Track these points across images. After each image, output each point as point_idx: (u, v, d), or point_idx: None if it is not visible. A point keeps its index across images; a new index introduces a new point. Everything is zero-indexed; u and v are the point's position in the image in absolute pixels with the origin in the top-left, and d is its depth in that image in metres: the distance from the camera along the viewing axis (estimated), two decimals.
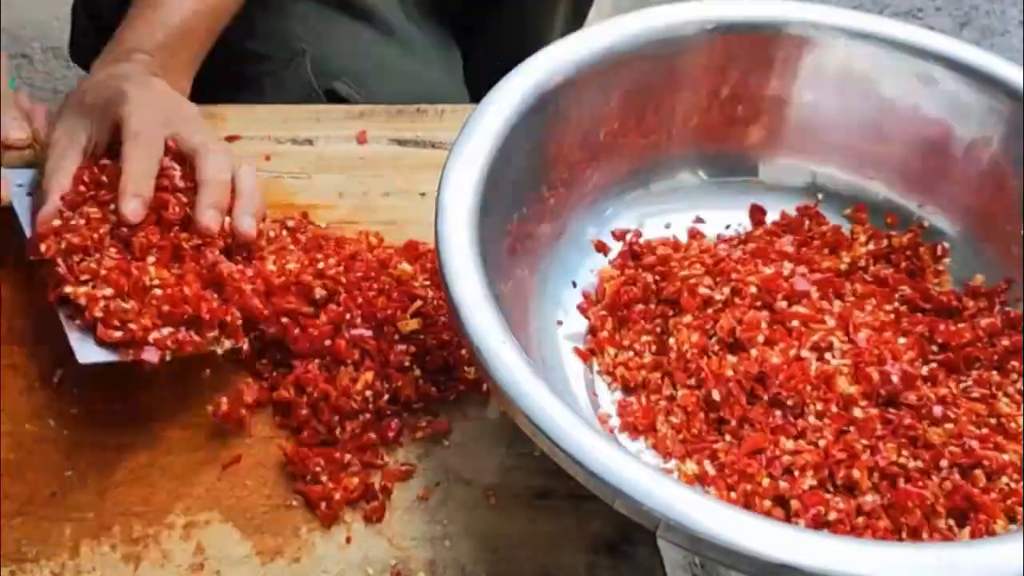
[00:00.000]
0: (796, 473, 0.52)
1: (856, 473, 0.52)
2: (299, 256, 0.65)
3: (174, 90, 0.67)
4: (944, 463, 0.53)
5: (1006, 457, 0.53)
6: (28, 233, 0.60)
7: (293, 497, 0.56)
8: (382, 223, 0.69)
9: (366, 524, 0.55)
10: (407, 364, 0.60)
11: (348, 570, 0.54)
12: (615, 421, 0.57)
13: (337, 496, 0.55)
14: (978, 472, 0.52)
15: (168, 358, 0.56)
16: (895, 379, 0.55)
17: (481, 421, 0.60)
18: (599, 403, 0.58)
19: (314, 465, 0.56)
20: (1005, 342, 0.58)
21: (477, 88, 0.57)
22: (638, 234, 0.65)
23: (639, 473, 0.43)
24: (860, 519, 0.51)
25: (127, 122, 0.61)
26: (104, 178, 0.61)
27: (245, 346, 0.58)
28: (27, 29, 1.63)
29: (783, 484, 0.52)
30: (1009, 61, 0.62)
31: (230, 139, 0.75)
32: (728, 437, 0.54)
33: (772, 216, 0.66)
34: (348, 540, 0.55)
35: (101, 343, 0.55)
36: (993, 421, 0.55)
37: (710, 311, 0.59)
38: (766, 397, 0.55)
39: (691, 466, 0.54)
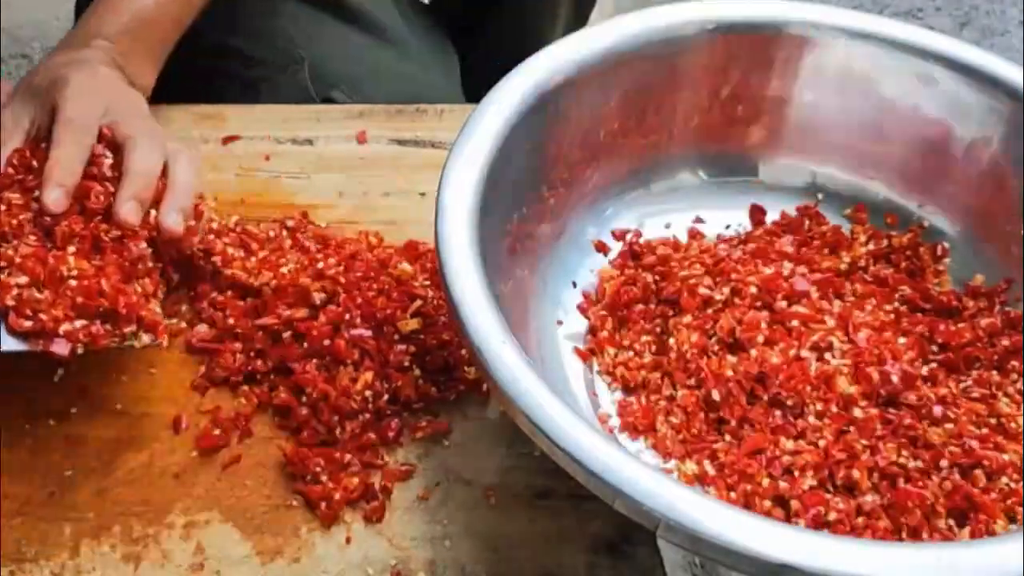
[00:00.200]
0: (796, 473, 0.52)
1: (856, 473, 0.52)
2: (298, 258, 0.65)
3: (133, 79, 0.66)
4: (944, 463, 0.53)
5: (1006, 457, 0.53)
6: None
7: (293, 497, 0.56)
8: (382, 223, 0.69)
9: (366, 524, 0.55)
10: (407, 364, 0.60)
11: (348, 570, 0.54)
12: (615, 421, 0.57)
13: (337, 496, 0.55)
14: (978, 472, 0.52)
15: (80, 351, 0.55)
16: (895, 379, 0.55)
17: (481, 421, 0.60)
18: (599, 403, 0.58)
19: (314, 465, 0.56)
20: (1005, 342, 0.58)
21: (477, 88, 0.57)
22: (638, 234, 0.65)
23: (639, 473, 0.43)
24: (860, 519, 0.51)
25: (62, 107, 0.60)
26: (35, 163, 0.59)
27: (164, 342, 0.57)
28: (27, 29, 1.63)
29: (783, 484, 0.52)
30: (1009, 61, 0.62)
31: (230, 139, 0.75)
32: (728, 437, 0.54)
33: (772, 216, 0.66)
34: (348, 540, 0.55)
35: (12, 332, 0.54)
36: (993, 421, 0.55)
37: (710, 311, 0.59)
38: (766, 397, 0.55)
39: (691, 466, 0.54)
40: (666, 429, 0.55)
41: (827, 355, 0.57)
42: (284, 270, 0.64)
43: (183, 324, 0.63)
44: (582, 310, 0.61)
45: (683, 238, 0.65)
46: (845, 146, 0.66)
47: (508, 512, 0.56)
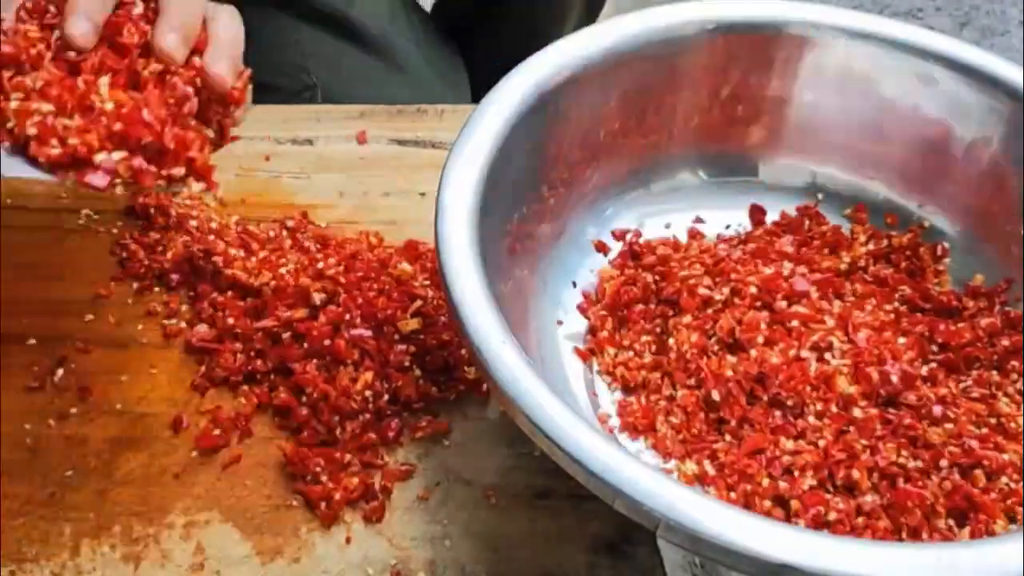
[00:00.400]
0: (796, 473, 0.52)
1: (856, 473, 0.52)
2: (298, 258, 0.65)
3: None
4: (944, 463, 0.52)
5: (1006, 457, 0.53)
6: None
7: (293, 497, 0.56)
8: (382, 223, 0.69)
9: (366, 524, 0.55)
10: (407, 364, 0.60)
11: (348, 570, 0.54)
12: (615, 421, 0.57)
13: (337, 496, 0.55)
14: (978, 472, 0.52)
15: (120, 189, 0.48)
16: (895, 379, 0.55)
17: (481, 421, 0.60)
18: (599, 403, 0.58)
19: (314, 465, 0.56)
20: (1005, 342, 0.58)
21: (483, 90, 0.57)
22: (638, 234, 0.65)
23: (639, 473, 0.43)
24: (860, 519, 0.51)
25: None
26: (52, 8, 0.52)
27: (218, 192, 0.50)
28: None
29: (783, 484, 0.52)
30: (1009, 61, 0.62)
31: (230, 139, 0.75)
32: (728, 437, 0.54)
33: (772, 216, 0.66)
34: (348, 540, 0.55)
35: (34, 162, 0.47)
36: (993, 421, 0.55)
37: (710, 311, 0.59)
38: (766, 397, 0.55)
39: (691, 466, 0.54)
40: (666, 429, 0.55)
41: (827, 355, 0.57)
42: (284, 270, 0.64)
43: (183, 324, 0.64)
44: (582, 310, 0.61)
45: (683, 238, 0.65)
46: (845, 146, 0.66)
47: (508, 512, 0.56)
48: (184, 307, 0.65)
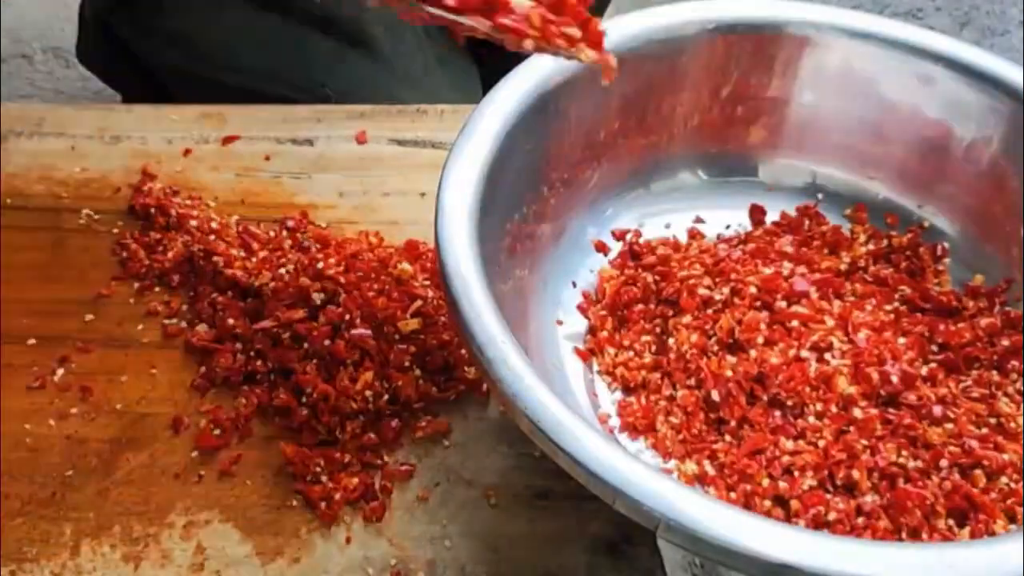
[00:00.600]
0: (796, 473, 0.52)
1: (856, 473, 0.52)
2: (298, 258, 0.65)
3: None
4: (944, 463, 0.52)
5: (1006, 457, 0.53)
6: None
7: (293, 497, 0.56)
8: (382, 223, 0.69)
9: (366, 524, 0.55)
10: (407, 364, 0.60)
11: (348, 570, 0.54)
12: (615, 421, 0.57)
13: (337, 496, 0.55)
14: (978, 472, 0.52)
15: (532, 48, 0.46)
16: (895, 379, 0.55)
17: (481, 421, 0.60)
18: (599, 403, 0.58)
19: (314, 465, 0.56)
20: (1005, 342, 0.58)
21: (487, 87, 0.57)
22: (638, 234, 0.65)
23: (639, 473, 0.43)
24: (860, 519, 0.51)
25: None
26: None
27: (613, 61, 0.48)
28: (27, 29, 1.63)
29: (783, 484, 0.52)
30: (1009, 61, 0.62)
31: (230, 139, 0.75)
32: (728, 437, 0.54)
33: (772, 216, 0.66)
34: (348, 540, 0.55)
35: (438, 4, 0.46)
36: (993, 421, 0.55)
37: (710, 311, 0.59)
38: (766, 397, 0.55)
39: (691, 466, 0.54)
40: (666, 429, 0.55)
41: (827, 355, 0.57)
42: (283, 270, 0.64)
43: (183, 324, 0.64)
44: (582, 310, 0.61)
45: (683, 238, 0.65)
46: (845, 146, 0.66)
47: (508, 512, 0.56)
48: (184, 307, 0.65)
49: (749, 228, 0.66)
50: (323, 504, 0.55)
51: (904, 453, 0.53)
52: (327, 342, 0.60)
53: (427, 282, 0.64)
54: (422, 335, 0.61)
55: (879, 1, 1.78)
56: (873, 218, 0.66)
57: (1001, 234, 0.62)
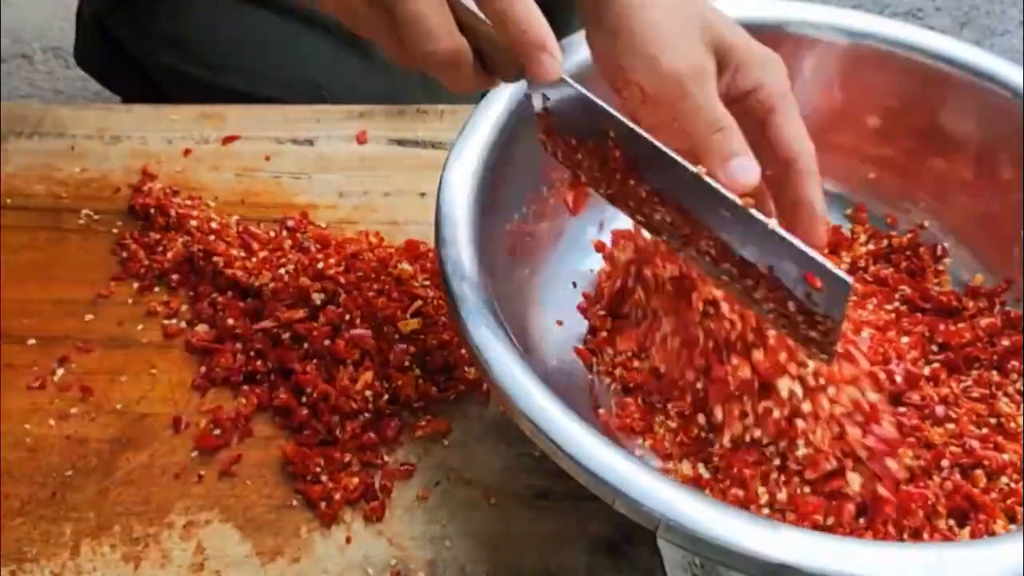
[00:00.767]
0: (795, 479, 0.52)
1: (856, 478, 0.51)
2: (298, 258, 0.65)
3: None
4: (945, 463, 0.52)
5: (1006, 457, 0.53)
6: None
7: (293, 497, 0.56)
8: (382, 223, 0.69)
9: (366, 524, 0.55)
10: (407, 364, 0.60)
11: (348, 570, 0.54)
12: (615, 421, 0.57)
13: (337, 496, 0.55)
14: (978, 472, 0.52)
15: None
16: (899, 379, 0.55)
17: (481, 421, 0.60)
18: (599, 403, 0.58)
19: (314, 465, 0.56)
20: (1005, 342, 0.58)
21: None
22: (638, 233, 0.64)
23: (639, 473, 0.43)
24: (860, 520, 0.51)
25: None
26: None
27: None
28: (27, 29, 1.63)
29: (780, 496, 0.52)
30: (1009, 61, 0.62)
31: (230, 139, 0.75)
32: (724, 442, 0.54)
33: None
34: (348, 540, 0.55)
35: None
36: (993, 421, 0.55)
37: (710, 311, 0.59)
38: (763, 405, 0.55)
39: (686, 466, 0.54)
40: (663, 431, 0.55)
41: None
42: (283, 271, 0.64)
43: (183, 324, 0.64)
44: (582, 310, 0.61)
45: None
46: (845, 146, 0.66)
47: (508, 512, 0.56)
48: (184, 307, 0.65)
49: None
50: (323, 504, 0.55)
51: (909, 453, 0.52)
52: (327, 342, 0.60)
53: (427, 282, 0.64)
54: (422, 335, 0.61)
55: (879, 1, 1.78)
56: (873, 218, 0.66)
57: (1001, 234, 0.62)
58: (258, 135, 0.75)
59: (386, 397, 0.59)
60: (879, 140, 0.65)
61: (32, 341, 0.63)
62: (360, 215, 0.71)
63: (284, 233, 0.68)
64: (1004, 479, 0.52)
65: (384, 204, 0.71)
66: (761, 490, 0.51)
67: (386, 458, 0.58)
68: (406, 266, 0.65)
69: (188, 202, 0.70)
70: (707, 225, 0.47)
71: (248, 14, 0.85)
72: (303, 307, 0.62)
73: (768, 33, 0.63)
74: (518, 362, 0.46)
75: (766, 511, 0.51)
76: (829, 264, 0.43)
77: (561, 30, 0.60)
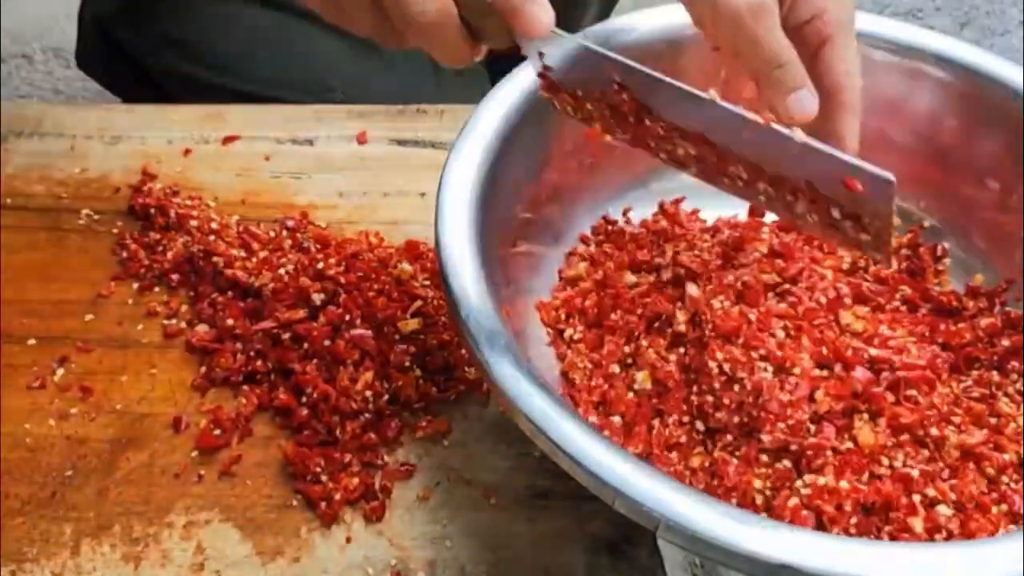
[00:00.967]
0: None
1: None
2: (298, 258, 0.65)
3: None
4: (943, 464, 0.52)
5: (1006, 457, 0.53)
6: None
7: (293, 497, 0.56)
8: (382, 223, 0.69)
9: (366, 524, 0.55)
10: (407, 364, 0.60)
11: (348, 570, 0.54)
12: (616, 420, 0.57)
13: (337, 496, 0.55)
14: (978, 472, 0.52)
15: None
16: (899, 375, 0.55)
17: (481, 421, 0.60)
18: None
19: (314, 465, 0.56)
20: (1005, 342, 0.58)
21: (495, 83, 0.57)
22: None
23: (639, 473, 0.43)
24: (855, 519, 0.51)
25: None
26: None
27: None
28: (27, 29, 1.63)
29: (776, 501, 0.51)
30: (1009, 61, 0.62)
31: (230, 139, 0.75)
32: (720, 446, 0.54)
33: (772, 216, 0.66)
34: (348, 540, 0.55)
35: None
36: (993, 421, 0.55)
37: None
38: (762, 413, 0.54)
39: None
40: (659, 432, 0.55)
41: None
42: (283, 271, 0.64)
43: (183, 324, 0.64)
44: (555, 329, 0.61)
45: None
46: None
47: (508, 512, 0.56)
48: (184, 307, 0.65)
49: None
50: (323, 504, 0.55)
51: (909, 450, 0.52)
52: (327, 342, 0.60)
53: (427, 282, 0.64)
54: (422, 335, 0.61)
55: (879, 1, 1.78)
56: None
57: (1001, 234, 0.62)
58: (258, 135, 0.75)
59: (386, 397, 0.59)
60: (878, 140, 0.65)
61: (32, 341, 0.63)
62: (360, 215, 0.71)
63: (284, 233, 0.68)
64: (1004, 479, 0.52)
65: (384, 204, 0.71)
66: (760, 500, 0.51)
67: (386, 458, 0.58)
68: (406, 266, 0.65)
69: (188, 202, 0.70)
70: (733, 150, 0.46)
71: (250, 14, 0.85)
72: (303, 307, 0.62)
73: None
74: (518, 362, 0.46)
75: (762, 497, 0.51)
76: (867, 165, 0.42)
77: (572, 23, 0.60)
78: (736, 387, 0.53)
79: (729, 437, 0.52)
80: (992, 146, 0.62)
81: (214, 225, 0.68)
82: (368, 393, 0.58)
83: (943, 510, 0.50)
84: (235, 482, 0.57)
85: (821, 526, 0.50)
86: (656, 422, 0.54)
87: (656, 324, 0.57)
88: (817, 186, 0.44)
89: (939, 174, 0.64)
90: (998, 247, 0.63)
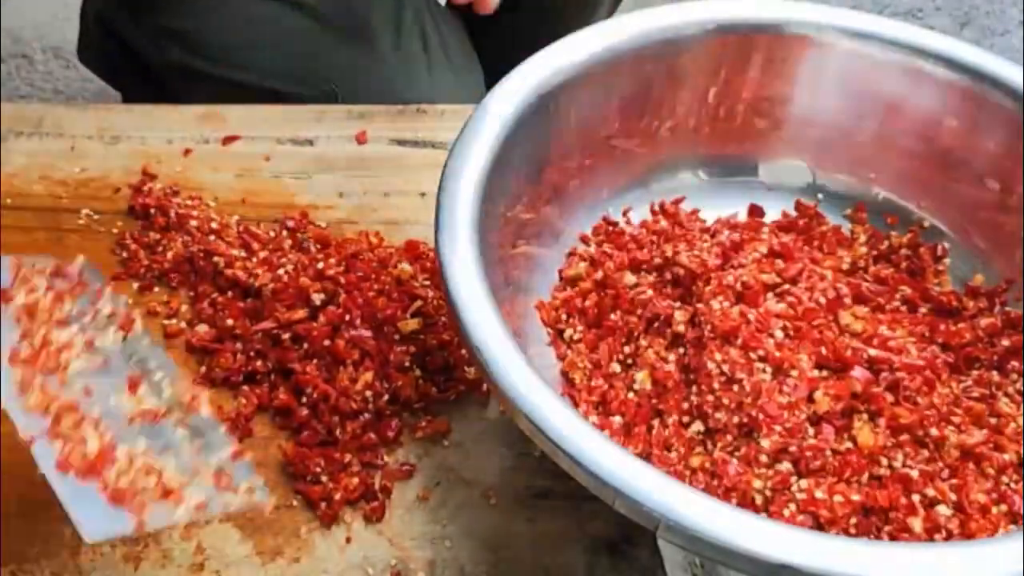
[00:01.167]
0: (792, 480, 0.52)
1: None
2: (298, 258, 0.65)
3: None
4: (942, 464, 0.52)
5: (1006, 457, 0.53)
6: None
7: (293, 497, 0.56)
8: (382, 223, 0.69)
9: (366, 524, 0.55)
10: (407, 364, 0.60)
11: (348, 570, 0.54)
12: (617, 420, 0.57)
13: (337, 496, 0.55)
14: (978, 472, 0.52)
15: None
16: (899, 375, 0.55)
17: (481, 421, 0.60)
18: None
19: (314, 465, 0.56)
20: (1005, 342, 0.58)
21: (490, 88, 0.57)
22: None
23: (639, 473, 0.43)
24: (854, 520, 0.51)
25: None
26: None
27: None
28: (27, 29, 1.63)
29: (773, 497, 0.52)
30: (1009, 61, 0.62)
31: (230, 139, 0.75)
32: (719, 446, 0.54)
33: (772, 216, 0.66)
34: (348, 540, 0.55)
35: None
36: (993, 421, 0.55)
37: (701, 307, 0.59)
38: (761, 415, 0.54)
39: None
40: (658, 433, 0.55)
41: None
42: (283, 271, 0.64)
43: (183, 324, 0.64)
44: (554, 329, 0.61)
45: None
46: (845, 146, 0.66)
47: (508, 512, 0.56)
48: (184, 307, 0.65)
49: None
50: (323, 504, 0.55)
51: (909, 451, 0.52)
52: (327, 342, 0.60)
53: (427, 282, 0.64)
54: (422, 335, 0.61)
55: (879, 1, 1.78)
56: (873, 218, 0.66)
57: (1001, 234, 0.62)
58: (258, 135, 0.75)
59: (386, 397, 0.59)
60: (879, 140, 0.65)
61: None
62: (360, 215, 0.71)
63: (284, 233, 0.68)
64: (1004, 479, 0.52)
65: (384, 204, 0.72)
66: (759, 500, 0.51)
67: (386, 458, 0.58)
68: (406, 266, 0.65)
69: (188, 202, 0.70)
70: None
71: (255, 7, 0.85)
72: (303, 307, 0.62)
73: (768, 33, 0.64)
74: (518, 362, 0.46)
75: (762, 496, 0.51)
76: None
77: (562, 30, 0.60)
78: (735, 387, 0.53)
79: (729, 437, 0.52)
80: (992, 146, 0.62)
81: (214, 225, 0.68)
82: (368, 393, 0.58)
83: (943, 510, 0.50)
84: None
85: (819, 527, 0.50)
86: (656, 422, 0.54)
87: (655, 324, 0.57)
88: None
89: (939, 174, 0.64)
90: (998, 247, 0.63)
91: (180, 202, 0.70)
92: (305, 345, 0.60)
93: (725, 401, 0.53)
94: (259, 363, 0.61)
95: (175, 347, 0.63)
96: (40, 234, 0.69)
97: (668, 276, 0.59)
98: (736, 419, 0.52)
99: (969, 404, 0.55)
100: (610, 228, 0.64)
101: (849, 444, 0.52)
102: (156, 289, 0.66)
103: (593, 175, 0.64)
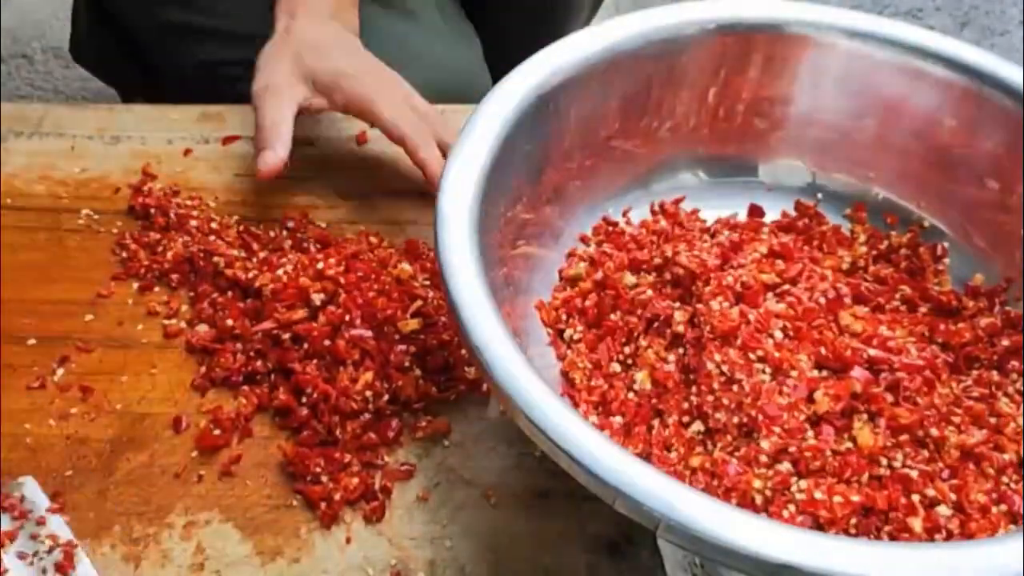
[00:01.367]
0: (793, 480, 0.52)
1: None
2: (298, 258, 0.65)
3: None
4: (942, 464, 0.52)
5: (1006, 457, 0.53)
6: None
7: (293, 497, 0.56)
8: (382, 223, 0.69)
9: (366, 524, 0.55)
10: (407, 364, 0.60)
11: (348, 570, 0.54)
12: (617, 419, 0.57)
13: (337, 496, 0.55)
14: (978, 472, 0.52)
15: None
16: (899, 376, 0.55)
17: (481, 421, 0.60)
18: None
19: (314, 465, 0.56)
20: (1005, 342, 0.58)
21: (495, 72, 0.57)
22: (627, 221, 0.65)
23: (639, 473, 0.43)
24: (853, 520, 0.51)
25: None
26: None
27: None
28: (27, 29, 1.63)
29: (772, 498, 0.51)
30: (1009, 61, 0.62)
31: (230, 139, 0.75)
32: (719, 446, 0.54)
33: (772, 216, 0.66)
34: (348, 540, 0.55)
35: None
36: (993, 421, 0.55)
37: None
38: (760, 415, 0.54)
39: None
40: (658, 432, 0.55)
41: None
42: (280, 271, 0.64)
43: (183, 324, 0.64)
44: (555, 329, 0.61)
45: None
46: (845, 146, 0.66)
47: (508, 512, 0.56)
48: (184, 307, 0.65)
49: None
50: (323, 504, 0.55)
51: (909, 451, 0.52)
52: (327, 342, 0.60)
53: (427, 282, 0.64)
54: (422, 335, 0.61)
55: (879, 1, 1.78)
56: (873, 218, 0.66)
57: (1001, 234, 0.62)
58: None
59: (386, 397, 0.59)
60: (878, 140, 0.65)
61: (32, 341, 0.63)
62: (360, 215, 0.71)
63: (284, 233, 0.68)
64: (1004, 479, 0.52)
65: (384, 204, 0.71)
66: (759, 499, 0.51)
67: (386, 458, 0.58)
68: (406, 266, 0.65)
69: (188, 202, 0.70)
70: None
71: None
72: (303, 307, 0.62)
73: (768, 33, 0.64)
74: (518, 362, 0.46)
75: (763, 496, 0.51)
76: None
77: (561, 29, 0.61)
78: (735, 388, 0.53)
79: (729, 438, 0.52)
80: (992, 146, 0.62)
81: (214, 225, 0.68)
82: (368, 393, 0.58)
83: (943, 510, 0.50)
84: (235, 482, 0.57)
85: (819, 528, 0.50)
86: (656, 422, 0.54)
87: (655, 324, 0.57)
88: None
89: (939, 174, 0.64)
90: (998, 247, 0.63)
91: (180, 202, 0.70)
92: (305, 345, 0.60)
93: (725, 401, 0.53)
94: (259, 363, 0.61)
95: (175, 347, 0.63)
96: (40, 234, 0.69)
97: (668, 276, 0.59)
98: (736, 419, 0.52)
99: (969, 404, 0.55)
100: (610, 228, 0.64)
101: (849, 444, 0.52)
102: (156, 289, 0.66)
103: (593, 175, 0.64)
